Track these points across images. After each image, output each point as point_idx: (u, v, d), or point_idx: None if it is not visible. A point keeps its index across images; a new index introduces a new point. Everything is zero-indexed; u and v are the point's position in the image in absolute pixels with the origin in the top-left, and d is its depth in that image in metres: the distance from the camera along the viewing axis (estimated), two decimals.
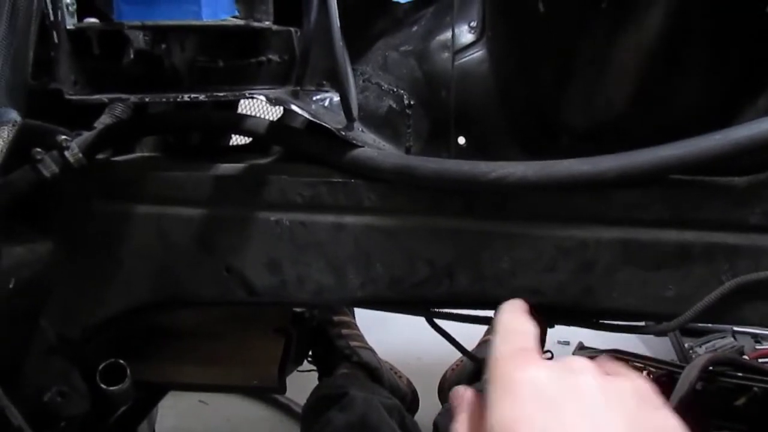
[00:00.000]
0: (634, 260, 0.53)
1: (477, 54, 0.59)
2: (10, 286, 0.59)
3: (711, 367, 0.92)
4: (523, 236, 0.54)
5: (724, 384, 0.94)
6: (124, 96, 0.53)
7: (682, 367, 1.25)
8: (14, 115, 0.45)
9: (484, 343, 1.18)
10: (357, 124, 0.59)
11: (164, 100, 0.53)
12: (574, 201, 0.53)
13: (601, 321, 0.59)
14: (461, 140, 0.59)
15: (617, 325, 0.58)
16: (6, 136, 0.46)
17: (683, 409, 0.84)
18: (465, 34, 0.59)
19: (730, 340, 1.39)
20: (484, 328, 1.11)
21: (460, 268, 0.57)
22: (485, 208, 0.55)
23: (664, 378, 1.23)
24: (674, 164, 0.47)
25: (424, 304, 0.61)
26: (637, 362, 1.26)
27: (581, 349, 1.36)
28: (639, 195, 0.51)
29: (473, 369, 1.15)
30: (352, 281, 0.59)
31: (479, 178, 0.50)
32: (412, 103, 0.61)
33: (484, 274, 0.56)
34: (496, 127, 0.58)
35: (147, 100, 0.53)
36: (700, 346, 1.40)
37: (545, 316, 0.59)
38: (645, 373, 1.26)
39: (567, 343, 1.36)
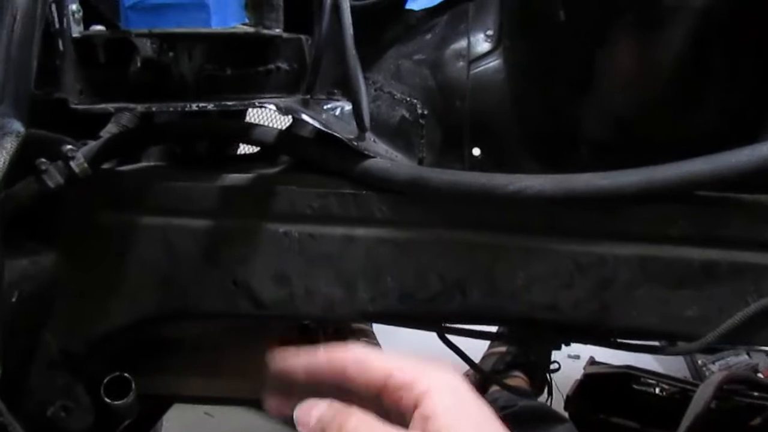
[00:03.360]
0: (655, 278, 0.51)
1: (493, 63, 0.57)
2: (13, 299, 0.57)
3: (725, 386, 0.89)
4: (539, 251, 0.53)
5: (739, 403, 0.92)
6: (130, 105, 0.52)
7: (696, 385, 1.23)
8: (17, 126, 0.44)
9: (490, 355, 1.16)
10: (369, 134, 0.58)
11: (171, 109, 0.52)
12: (593, 216, 0.51)
13: (617, 340, 0.57)
14: (476, 151, 0.58)
15: (635, 344, 0.56)
16: (9, 147, 0.44)
17: (698, 429, 0.82)
18: (481, 43, 0.58)
19: (744, 357, 1.36)
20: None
21: (474, 283, 0.55)
22: (500, 222, 0.53)
23: (677, 395, 1.22)
24: (700, 180, 0.45)
25: (435, 319, 0.59)
26: (651, 379, 1.25)
27: (592, 365, 1.34)
28: (661, 211, 0.50)
29: (478, 381, 1.13)
30: (362, 295, 0.57)
31: (496, 191, 0.49)
32: (425, 112, 0.59)
33: (498, 290, 0.54)
34: (512, 139, 0.57)
35: (154, 109, 0.52)
36: (714, 363, 1.38)
37: (560, 333, 0.57)
38: (658, 390, 1.24)
39: (577, 357, 1.33)
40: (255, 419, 1.36)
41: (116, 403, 0.67)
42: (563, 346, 0.63)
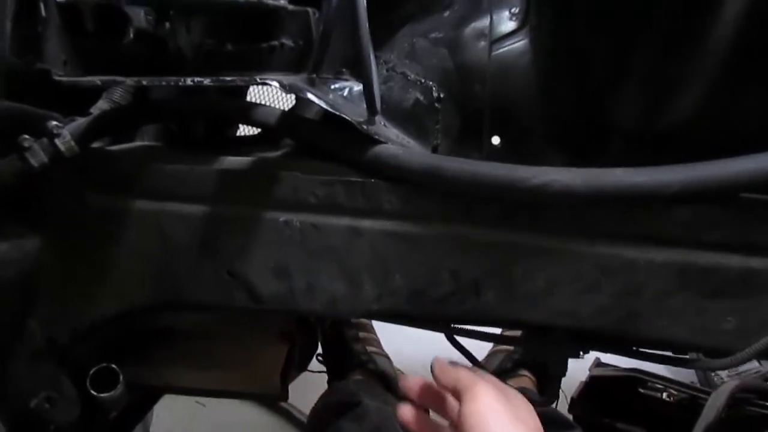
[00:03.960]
0: (690, 286, 0.46)
1: (518, 44, 0.52)
2: None
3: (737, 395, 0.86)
4: (562, 252, 0.49)
5: (751, 413, 0.89)
6: (119, 78, 0.48)
7: (705, 392, 1.19)
8: None
9: (496, 352, 1.13)
10: (379, 118, 0.53)
11: (164, 83, 0.47)
12: (624, 215, 0.47)
13: (642, 350, 0.53)
14: (495, 140, 0.53)
15: (663, 356, 0.52)
16: None
17: None
18: (505, 22, 0.53)
19: (754, 364, 1.32)
20: None
21: (489, 284, 0.51)
22: (521, 219, 0.49)
23: (686, 402, 1.18)
24: (747, 180, 0.41)
25: (446, 320, 0.55)
26: (658, 383, 1.21)
27: (598, 366, 1.30)
28: (701, 213, 0.45)
29: None
30: (368, 292, 0.54)
31: (518, 184, 0.44)
32: (441, 96, 0.55)
33: (515, 292, 0.50)
34: (536, 128, 0.52)
35: (144, 83, 0.48)
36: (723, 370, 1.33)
37: (581, 342, 0.53)
38: (665, 395, 1.20)
39: (582, 357, 1.30)
40: (248, 411, 1.34)
41: (103, 395, 0.64)
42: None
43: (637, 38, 0.44)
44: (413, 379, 0.55)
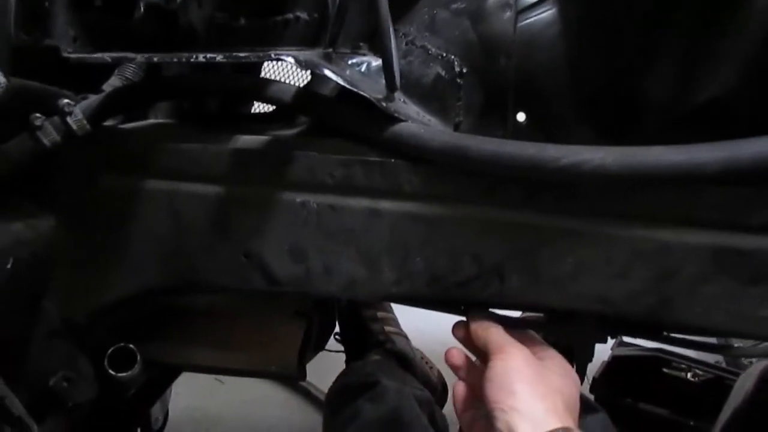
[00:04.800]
0: (727, 271, 0.44)
1: (545, 14, 0.50)
2: (8, 266, 0.53)
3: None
4: (592, 235, 0.46)
5: None
6: (129, 55, 0.46)
7: (732, 372, 1.16)
8: None
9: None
10: (398, 94, 0.51)
11: (175, 60, 0.46)
12: (659, 196, 0.44)
13: (673, 336, 0.51)
14: (521, 117, 0.51)
15: (698, 342, 0.49)
16: None
17: (738, 421, 0.76)
18: None
19: None
20: None
21: (513, 268, 0.49)
22: (548, 200, 0.47)
23: (712, 382, 1.15)
24: None
25: (467, 305, 0.53)
26: (683, 363, 1.18)
27: (620, 346, 1.28)
28: (742, 195, 0.42)
29: None
30: (387, 275, 0.52)
31: (546, 164, 0.42)
32: (463, 70, 0.52)
33: (540, 276, 0.48)
34: (564, 103, 0.50)
35: (155, 59, 0.46)
36: None
37: (608, 327, 0.51)
38: (690, 375, 1.18)
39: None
40: (267, 388, 1.35)
41: (120, 375, 0.64)
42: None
43: (674, 6, 0.41)
44: (457, 353, 0.56)
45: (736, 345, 0.65)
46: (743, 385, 0.79)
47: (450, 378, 1.12)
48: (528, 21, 0.50)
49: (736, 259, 0.44)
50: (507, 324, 0.51)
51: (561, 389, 0.46)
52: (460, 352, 0.56)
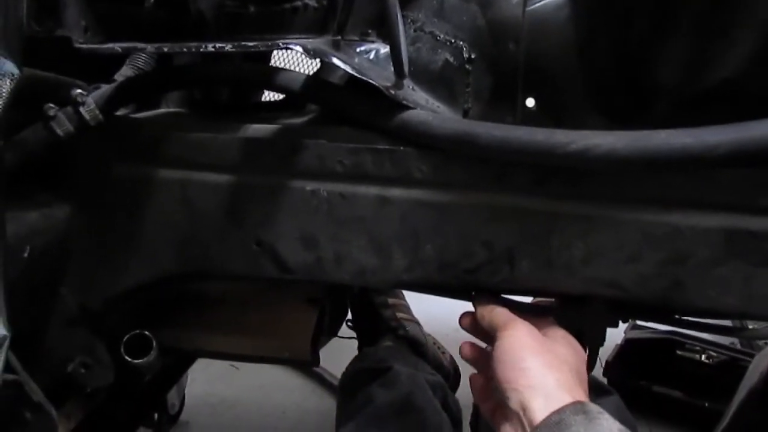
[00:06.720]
0: (740, 253, 0.44)
1: None
2: (25, 254, 0.54)
3: None
4: (602, 219, 0.46)
5: None
6: (139, 45, 0.46)
7: (747, 353, 1.16)
8: (10, 67, 0.39)
9: None
10: (407, 81, 0.51)
11: (185, 50, 0.46)
12: (669, 180, 0.44)
13: (685, 318, 0.51)
14: (530, 102, 0.51)
15: (712, 325, 0.49)
16: (3, 90, 0.39)
17: (754, 401, 0.76)
18: None
19: None
20: None
21: (524, 254, 0.49)
22: (558, 185, 0.47)
23: (726, 364, 1.15)
24: None
25: (478, 291, 0.54)
26: (697, 345, 1.18)
27: (633, 329, 1.27)
28: (754, 177, 0.42)
29: None
30: (398, 262, 0.52)
31: (556, 150, 0.42)
32: (472, 56, 0.52)
33: (551, 262, 0.48)
34: (574, 89, 0.49)
35: (165, 49, 0.46)
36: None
37: (620, 312, 0.51)
38: (704, 357, 1.17)
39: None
40: (281, 374, 1.36)
41: (136, 361, 0.65)
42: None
43: None
44: (469, 346, 0.57)
45: (750, 327, 0.64)
46: (758, 365, 0.78)
47: (462, 364, 1.12)
48: (537, 5, 0.50)
49: (749, 241, 0.43)
50: (512, 307, 0.51)
51: (567, 359, 0.46)
52: (472, 345, 0.56)
